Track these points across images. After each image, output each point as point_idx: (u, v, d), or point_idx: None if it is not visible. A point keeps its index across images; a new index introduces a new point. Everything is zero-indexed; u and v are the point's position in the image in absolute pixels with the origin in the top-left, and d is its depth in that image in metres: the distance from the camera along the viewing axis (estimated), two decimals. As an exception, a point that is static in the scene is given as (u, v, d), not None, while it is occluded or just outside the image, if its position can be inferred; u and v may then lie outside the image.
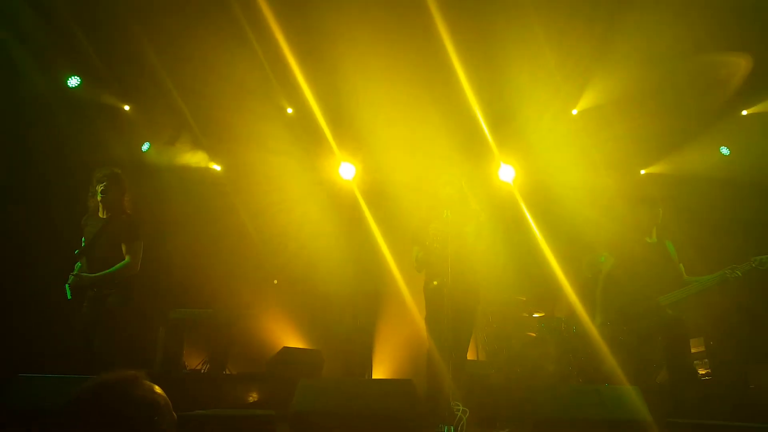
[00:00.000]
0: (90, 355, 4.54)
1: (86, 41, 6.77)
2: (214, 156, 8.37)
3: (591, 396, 4.00)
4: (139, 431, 1.47)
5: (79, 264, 4.79)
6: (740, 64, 6.66)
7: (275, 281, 8.07)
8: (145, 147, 7.84)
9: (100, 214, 4.88)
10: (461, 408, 4.30)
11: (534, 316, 6.86)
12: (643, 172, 8.03)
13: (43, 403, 3.49)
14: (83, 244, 4.86)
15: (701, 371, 6.92)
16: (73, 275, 4.68)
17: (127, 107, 7.80)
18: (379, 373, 7.60)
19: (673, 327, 4.92)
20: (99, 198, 4.81)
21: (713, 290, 4.99)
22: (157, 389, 1.55)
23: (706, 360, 6.80)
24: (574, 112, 7.75)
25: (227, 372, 6.99)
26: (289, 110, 8.10)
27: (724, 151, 7.56)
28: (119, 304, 4.66)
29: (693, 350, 7.06)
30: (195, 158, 8.13)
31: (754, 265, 4.81)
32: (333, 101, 7.44)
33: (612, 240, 5.57)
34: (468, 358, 5.53)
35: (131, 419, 1.46)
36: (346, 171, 7.81)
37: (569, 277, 5.80)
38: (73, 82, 7.19)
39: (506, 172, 7.52)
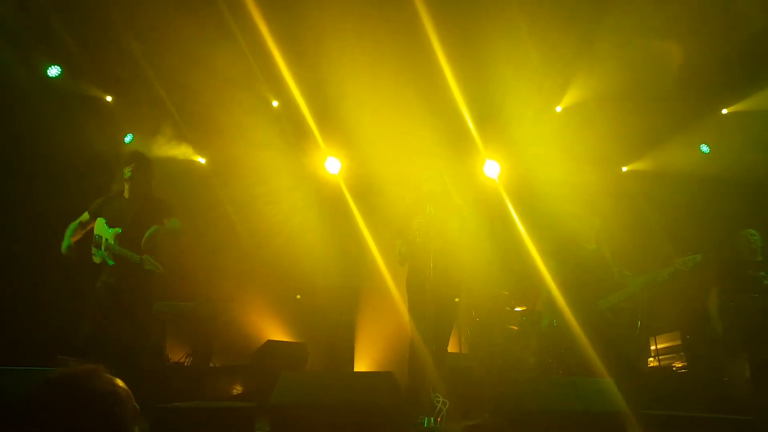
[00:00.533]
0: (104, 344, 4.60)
1: (66, 30, 6.69)
2: (198, 148, 8.31)
3: (569, 388, 4.06)
4: (101, 424, 1.43)
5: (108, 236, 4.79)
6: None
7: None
8: (128, 139, 7.76)
9: (126, 195, 4.94)
10: (441, 400, 4.35)
11: (516, 309, 6.93)
12: (624, 169, 8.11)
13: (10, 395, 3.45)
14: (104, 224, 4.86)
15: (677, 364, 7.05)
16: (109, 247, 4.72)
17: (109, 98, 7.72)
18: (361, 366, 7.63)
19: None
20: (127, 176, 4.87)
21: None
22: (118, 381, 1.52)
23: (682, 353, 6.92)
24: (558, 109, 7.80)
25: (212, 365, 6.98)
26: (275, 103, 8.07)
27: (705, 149, 7.66)
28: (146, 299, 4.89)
29: (669, 344, 7.20)
30: (179, 150, 8.07)
31: (677, 266, 5.21)
32: (319, 95, 7.43)
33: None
34: (451, 350, 5.59)
35: (92, 412, 1.43)
36: (332, 165, 7.81)
37: (551, 272, 5.87)
38: (53, 71, 7.10)
39: (491, 168, 7.56)
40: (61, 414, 1.40)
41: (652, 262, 6.80)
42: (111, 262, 4.81)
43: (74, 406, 1.42)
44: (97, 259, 4.92)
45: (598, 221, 5.85)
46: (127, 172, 4.88)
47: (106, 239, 4.84)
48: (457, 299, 4.87)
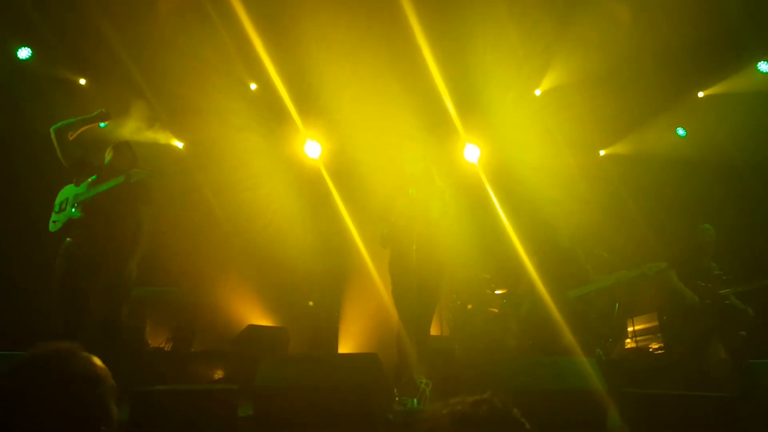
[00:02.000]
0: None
1: (38, 11, 6.52)
2: (175, 132, 8.19)
3: (549, 368, 4.14)
4: (79, 404, 1.42)
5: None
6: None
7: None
8: (103, 123, 7.62)
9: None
10: (424, 381, 4.39)
11: (496, 292, 7.00)
12: (602, 152, 8.19)
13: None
14: (72, 187, 4.60)
15: (654, 345, 7.19)
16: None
17: (82, 81, 7.56)
18: (345, 348, 7.65)
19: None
20: (106, 162, 4.66)
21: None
22: (95, 360, 1.50)
23: (659, 334, 7.05)
24: (537, 92, 7.84)
25: (193, 350, 6.94)
26: (253, 86, 7.97)
27: (681, 132, 7.76)
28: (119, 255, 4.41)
29: (646, 325, 7.33)
30: (155, 134, 7.94)
31: (644, 270, 5.57)
32: (298, 78, 7.36)
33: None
34: (432, 333, 5.63)
35: (70, 392, 1.40)
36: (312, 148, 7.76)
37: (530, 255, 5.95)
38: (24, 53, 6.91)
39: (471, 152, 7.58)
40: (38, 395, 1.38)
41: (628, 244, 6.93)
42: (78, 214, 4.41)
43: (52, 386, 1.39)
44: (57, 226, 4.56)
45: (574, 220, 6.22)
46: (107, 157, 4.70)
47: (75, 194, 4.54)
48: (437, 283, 4.88)
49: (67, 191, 4.67)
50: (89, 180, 4.53)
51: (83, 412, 1.41)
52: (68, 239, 4.45)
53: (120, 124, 7.52)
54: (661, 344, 6.97)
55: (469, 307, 6.85)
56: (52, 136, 4.61)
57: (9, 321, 5.96)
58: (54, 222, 4.61)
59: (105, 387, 1.48)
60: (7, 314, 6.06)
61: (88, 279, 4.38)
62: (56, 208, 4.65)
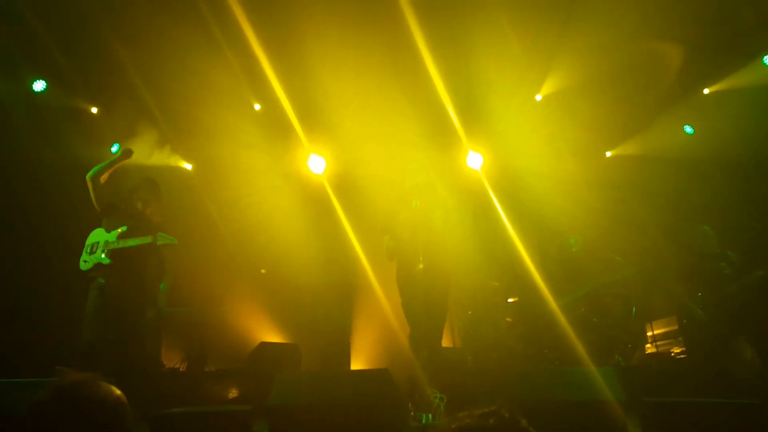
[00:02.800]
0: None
1: (50, 42, 6.65)
2: (184, 153, 8.27)
3: (564, 378, 4.07)
4: (109, 429, 1.47)
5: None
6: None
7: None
8: (114, 149, 7.72)
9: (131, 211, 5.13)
10: (438, 395, 4.34)
11: (508, 301, 6.93)
12: (608, 154, 8.12)
13: (12, 408, 3.43)
14: (102, 231, 4.99)
15: (675, 350, 7.05)
16: None
17: (94, 110, 7.68)
18: (357, 363, 7.62)
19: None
20: (137, 202, 5.15)
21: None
22: (115, 389, 1.55)
23: (680, 338, 6.92)
24: (538, 97, 7.80)
25: (207, 369, 6.95)
26: (257, 106, 8.04)
27: (688, 129, 7.67)
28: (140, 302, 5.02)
29: (666, 329, 7.21)
30: (164, 157, 8.02)
31: (616, 277, 5.79)
32: (301, 93, 7.40)
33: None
34: (444, 344, 5.58)
35: (100, 419, 1.46)
36: (315, 163, 7.78)
37: (536, 261, 5.91)
38: (39, 86, 7.07)
39: (474, 159, 7.56)
40: (71, 422, 1.43)
41: (635, 249, 6.84)
42: (107, 261, 4.82)
43: (83, 414, 1.46)
44: (87, 266, 4.91)
45: (580, 239, 6.33)
46: (137, 199, 5.12)
47: (105, 241, 4.92)
48: (445, 294, 4.84)
49: (98, 235, 5.02)
50: (119, 230, 4.94)
51: None
52: (101, 279, 4.84)
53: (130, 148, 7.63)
54: (683, 348, 6.84)
55: (469, 312, 6.79)
56: (88, 183, 5.03)
57: (29, 348, 6.02)
58: (85, 261, 4.95)
59: (128, 414, 1.53)
60: (28, 341, 6.13)
61: (117, 315, 4.78)
62: (87, 250, 4.98)
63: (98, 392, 1.51)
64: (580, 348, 5.19)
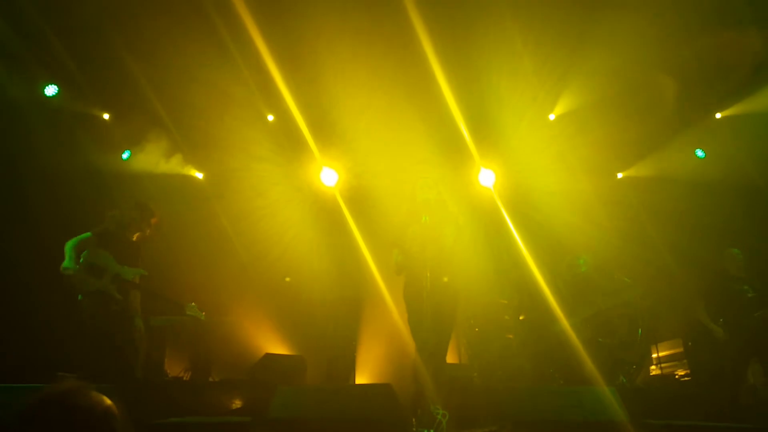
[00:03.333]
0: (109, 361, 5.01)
1: (63, 49, 6.73)
2: (195, 163, 8.33)
3: (570, 398, 4.04)
4: None
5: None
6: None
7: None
8: (126, 156, 7.79)
9: (129, 236, 5.53)
10: (441, 412, 4.31)
11: (520, 318, 6.90)
12: (620, 175, 8.11)
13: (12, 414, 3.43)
14: (111, 259, 5.27)
15: (680, 372, 7.00)
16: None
17: (106, 116, 7.76)
18: (362, 378, 7.59)
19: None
20: (134, 222, 5.53)
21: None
22: (106, 399, 1.54)
23: (685, 361, 6.88)
24: (552, 117, 7.82)
25: (211, 379, 6.94)
26: (270, 117, 8.10)
27: (699, 153, 7.66)
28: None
29: (671, 352, 7.16)
30: (176, 166, 8.08)
31: (623, 298, 5.82)
32: (313, 106, 7.45)
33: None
34: (450, 360, 5.56)
35: (89, 428, 1.45)
36: (328, 176, 7.82)
37: (547, 280, 5.89)
38: (51, 90, 7.14)
39: (486, 177, 7.57)
40: (57, 430, 1.41)
41: (647, 269, 6.81)
42: (118, 296, 5.14)
43: (70, 422, 1.44)
44: (91, 288, 5.07)
45: (589, 258, 6.36)
46: (136, 217, 5.43)
47: (117, 274, 5.20)
48: (452, 310, 4.82)
49: (106, 260, 5.22)
50: (138, 271, 5.43)
51: None
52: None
53: (142, 155, 7.71)
54: (687, 371, 6.79)
55: (476, 330, 6.77)
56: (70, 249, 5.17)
57: (31, 354, 6.04)
58: (88, 284, 5.12)
59: (116, 422, 1.51)
60: (31, 347, 6.15)
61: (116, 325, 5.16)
62: (95, 268, 5.15)
63: (87, 401, 1.49)
64: (586, 367, 5.16)
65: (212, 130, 7.70)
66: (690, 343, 6.32)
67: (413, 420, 4.42)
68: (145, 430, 3.52)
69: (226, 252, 7.83)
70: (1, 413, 3.46)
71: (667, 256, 6.99)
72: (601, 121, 7.29)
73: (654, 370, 7.13)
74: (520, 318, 6.85)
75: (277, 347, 7.67)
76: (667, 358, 7.19)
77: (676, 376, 6.99)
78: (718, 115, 7.52)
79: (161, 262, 7.34)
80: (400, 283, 5.07)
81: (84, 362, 4.89)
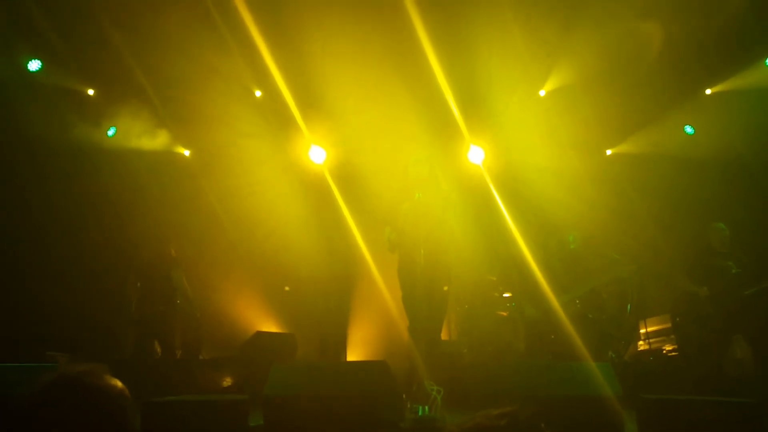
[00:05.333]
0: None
1: (47, 23, 6.56)
2: (182, 140, 8.22)
3: (563, 373, 4.07)
4: (111, 422, 1.45)
5: None
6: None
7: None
8: (111, 132, 7.66)
9: None
10: (435, 388, 4.34)
11: (504, 295, 6.94)
12: (609, 152, 8.12)
13: (6, 392, 3.39)
14: None
15: (667, 347, 7.11)
16: None
17: (91, 91, 7.60)
18: (353, 355, 7.62)
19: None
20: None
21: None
22: (117, 382, 1.54)
23: (672, 336, 6.98)
24: (542, 93, 7.78)
25: (201, 357, 6.93)
26: (258, 93, 7.98)
27: (689, 130, 7.68)
28: None
29: (659, 327, 7.26)
30: (162, 142, 7.96)
31: (616, 274, 5.89)
32: (301, 82, 7.35)
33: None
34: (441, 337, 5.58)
35: (102, 410, 1.45)
36: (316, 154, 7.75)
37: (536, 257, 5.91)
38: (34, 65, 6.97)
39: (475, 154, 7.54)
40: (73, 412, 1.41)
41: (635, 244, 6.86)
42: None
43: (86, 404, 1.43)
44: None
45: (579, 235, 6.40)
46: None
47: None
48: (446, 287, 4.83)
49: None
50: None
51: (113, 426, 1.45)
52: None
53: (127, 132, 7.59)
54: (675, 346, 6.89)
55: (466, 306, 6.80)
56: None
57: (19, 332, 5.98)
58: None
59: (129, 405, 1.51)
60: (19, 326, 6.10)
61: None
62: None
63: (103, 383, 1.48)
64: (577, 343, 5.21)
65: (198, 105, 7.58)
66: (678, 319, 6.40)
67: (406, 396, 4.44)
68: (140, 407, 3.50)
69: (215, 230, 7.77)
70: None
71: (655, 232, 7.04)
72: (591, 97, 7.27)
73: (642, 345, 7.24)
74: (506, 295, 6.90)
75: (268, 325, 7.67)
76: (655, 334, 7.29)
77: (664, 351, 7.11)
78: (708, 91, 7.52)
79: (150, 240, 7.29)
80: (391, 260, 5.07)
81: (73, 341, 4.84)
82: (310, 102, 7.54)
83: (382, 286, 6.20)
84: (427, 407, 4.25)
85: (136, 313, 6.31)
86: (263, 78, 7.39)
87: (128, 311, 6.38)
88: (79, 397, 1.43)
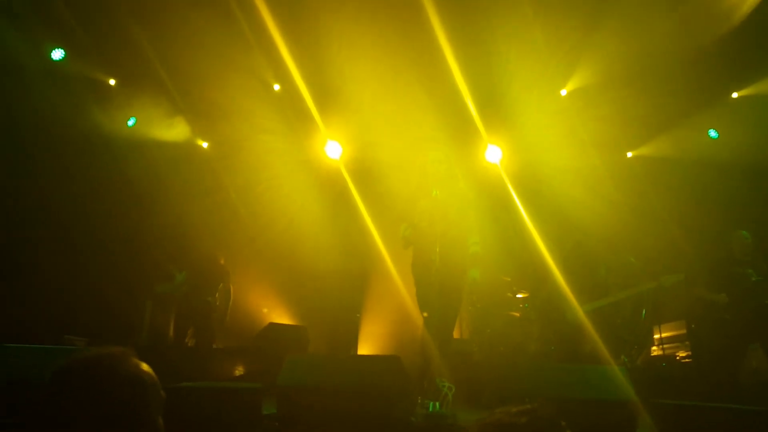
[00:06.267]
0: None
1: (71, 13, 6.64)
2: (201, 132, 8.28)
3: (576, 375, 4.04)
4: (122, 408, 1.41)
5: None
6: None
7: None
8: (131, 122, 7.74)
9: None
10: (447, 385, 4.34)
11: (518, 296, 6.92)
12: (630, 154, 8.03)
13: (25, 373, 3.45)
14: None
15: (681, 354, 7.04)
16: None
17: (112, 81, 7.68)
18: (364, 350, 7.64)
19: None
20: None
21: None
22: (145, 367, 1.50)
23: (687, 342, 6.91)
24: (563, 92, 7.70)
25: (215, 346, 7.00)
26: (276, 87, 8.02)
27: (713, 134, 7.55)
28: None
29: (674, 332, 7.19)
30: (181, 134, 8.03)
31: (660, 282, 5.62)
32: (319, 79, 7.36)
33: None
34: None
35: (113, 395, 1.41)
36: (333, 149, 7.77)
37: (554, 257, 5.86)
38: (57, 54, 7.06)
39: (493, 153, 7.51)
40: (83, 396, 1.39)
41: (656, 246, 6.78)
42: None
43: (96, 389, 1.40)
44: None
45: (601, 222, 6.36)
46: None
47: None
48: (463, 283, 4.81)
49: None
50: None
51: (128, 414, 1.41)
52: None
53: (147, 122, 7.67)
54: (689, 352, 6.83)
55: (478, 305, 6.78)
56: None
57: (37, 315, 6.07)
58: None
59: (150, 395, 1.46)
60: (37, 308, 6.19)
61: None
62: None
63: (120, 368, 1.44)
64: (588, 347, 5.17)
65: (218, 99, 7.63)
66: (693, 325, 6.33)
67: (418, 392, 4.45)
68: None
69: (233, 223, 7.84)
70: (12, 372, 3.50)
71: (676, 234, 6.94)
72: (614, 98, 7.17)
73: (655, 350, 7.17)
74: (519, 295, 6.86)
75: (281, 317, 7.72)
76: (669, 339, 7.22)
77: (677, 357, 7.04)
78: (735, 95, 7.39)
79: (169, 232, 7.38)
80: (405, 256, 5.06)
81: (89, 326, 4.91)
82: (327, 97, 7.56)
83: (396, 282, 6.20)
84: (438, 403, 4.25)
85: (184, 301, 6.80)
86: (281, 73, 7.42)
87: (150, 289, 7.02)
88: (92, 381, 1.40)
